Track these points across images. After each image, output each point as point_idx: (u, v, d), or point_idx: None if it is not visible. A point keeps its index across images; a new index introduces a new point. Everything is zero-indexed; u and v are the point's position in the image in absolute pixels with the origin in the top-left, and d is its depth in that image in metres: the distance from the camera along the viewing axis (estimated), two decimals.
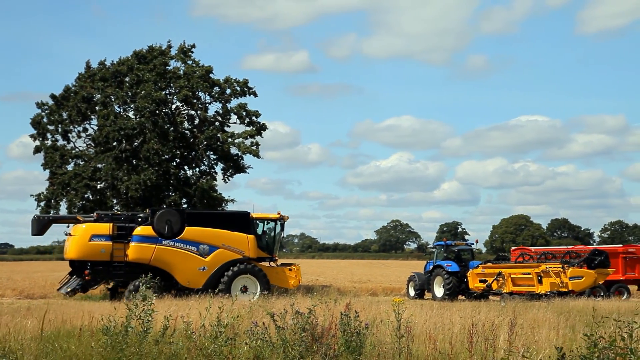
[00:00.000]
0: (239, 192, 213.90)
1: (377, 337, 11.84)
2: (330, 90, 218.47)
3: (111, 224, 29.86)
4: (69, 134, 40.97)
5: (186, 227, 30.51)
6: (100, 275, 29.89)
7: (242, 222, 31.75)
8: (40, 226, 31.98)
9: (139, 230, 30.03)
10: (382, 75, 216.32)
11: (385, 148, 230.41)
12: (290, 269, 32.63)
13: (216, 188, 42.01)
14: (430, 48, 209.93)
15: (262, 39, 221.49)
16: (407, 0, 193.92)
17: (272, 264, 32.79)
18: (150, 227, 30.06)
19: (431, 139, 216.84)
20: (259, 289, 30.08)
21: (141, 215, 31.30)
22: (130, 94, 40.10)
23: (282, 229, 32.94)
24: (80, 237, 29.62)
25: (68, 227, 31.57)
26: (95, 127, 40.30)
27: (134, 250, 29.75)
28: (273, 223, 32.84)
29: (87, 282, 29.96)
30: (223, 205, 41.94)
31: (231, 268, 30.46)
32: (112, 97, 39.87)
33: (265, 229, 32.78)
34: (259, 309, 16.62)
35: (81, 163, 40.38)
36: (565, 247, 46.49)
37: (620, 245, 41.70)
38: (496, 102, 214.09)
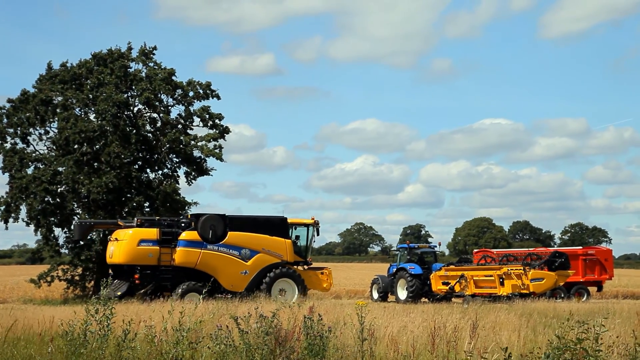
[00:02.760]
0: (203, 195, 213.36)
1: (340, 340, 11.84)
2: (296, 93, 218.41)
3: (158, 229, 30.22)
4: (29, 137, 40.39)
5: (228, 232, 31.12)
6: (148, 279, 30.04)
7: (280, 227, 32.48)
8: (82, 230, 32.77)
9: (185, 235, 30.53)
10: (347, 78, 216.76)
11: (350, 151, 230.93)
12: (322, 273, 33.43)
13: (179, 191, 41.73)
14: (395, 51, 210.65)
15: (228, 41, 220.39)
16: (373, 4, 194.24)
17: (305, 267, 33.35)
18: (195, 232, 30.56)
19: (396, 142, 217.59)
20: (296, 292, 30.93)
21: (184, 220, 31.95)
22: (91, 96, 39.63)
23: (317, 233, 33.74)
24: (129, 241, 29.91)
25: (109, 233, 31.97)
26: (56, 130, 39.75)
27: (180, 255, 30.21)
28: (306, 228, 33.60)
29: (135, 286, 30.16)
30: (186, 208, 41.63)
31: (270, 272, 31.14)
32: (72, 99, 39.37)
33: (299, 234, 33.48)
34: (223, 313, 16.54)
35: (41, 166, 39.79)
36: (527, 249, 47.02)
37: (580, 247, 42.38)
38: (460, 105, 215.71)
